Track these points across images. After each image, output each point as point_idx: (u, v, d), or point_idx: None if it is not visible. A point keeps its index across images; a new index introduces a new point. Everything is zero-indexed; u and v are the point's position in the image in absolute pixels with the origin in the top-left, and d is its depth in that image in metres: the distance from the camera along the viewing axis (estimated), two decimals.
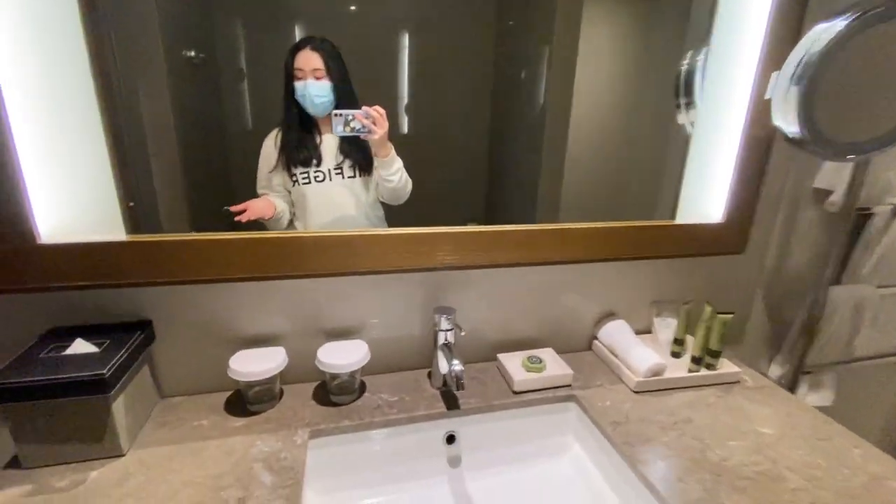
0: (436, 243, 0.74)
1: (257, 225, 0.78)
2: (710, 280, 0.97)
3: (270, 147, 0.80)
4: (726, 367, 0.86)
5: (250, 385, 0.72)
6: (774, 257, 1.03)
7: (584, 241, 0.82)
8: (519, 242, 0.79)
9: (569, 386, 0.82)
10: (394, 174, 0.82)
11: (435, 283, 0.81)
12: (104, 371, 0.57)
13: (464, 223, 0.82)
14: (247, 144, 0.81)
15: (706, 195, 0.89)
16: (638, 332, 0.95)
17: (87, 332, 0.65)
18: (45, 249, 0.60)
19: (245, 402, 0.73)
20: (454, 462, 0.77)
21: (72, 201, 0.62)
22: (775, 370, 1.11)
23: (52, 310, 0.67)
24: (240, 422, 0.70)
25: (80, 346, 0.62)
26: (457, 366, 0.70)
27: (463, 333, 0.71)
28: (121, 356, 0.60)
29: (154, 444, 0.65)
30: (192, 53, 0.75)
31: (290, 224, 0.83)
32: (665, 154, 0.97)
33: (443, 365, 0.78)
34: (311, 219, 0.83)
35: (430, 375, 0.83)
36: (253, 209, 0.78)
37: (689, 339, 0.91)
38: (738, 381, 0.85)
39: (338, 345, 0.77)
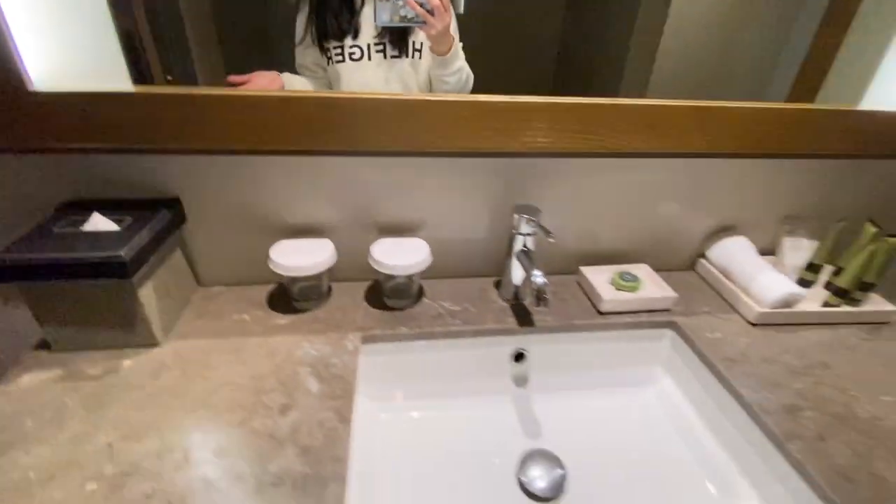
0: (528, 118, 0.56)
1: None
2: (877, 193, 0.74)
3: (302, 14, 0.63)
4: (875, 304, 0.68)
5: (295, 280, 0.62)
6: None
7: (727, 125, 0.60)
8: (642, 122, 0.59)
9: (668, 311, 0.67)
10: (453, 74, 0.64)
11: (515, 174, 0.65)
12: (121, 252, 0.47)
13: None
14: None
15: None
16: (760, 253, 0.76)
17: (107, 208, 0.55)
18: (39, 97, 0.48)
19: (290, 297, 0.65)
20: (520, 381, 0.67)
21: (67, 44, 0.48)
22: None
23: (68, 179, 0.57)
24: (284, 319, 0.62)
25: (99, 222, 0.52)
26: (538, 277, 0.56)
27: (552, 240, 0.56)
28: (143, 236, 0.51)
29: (192, 336, 0.58)
30: None
31: None
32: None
33: (516, 275, 0.65)
34: None
35: (498, 285, 0.71)
36: (255, 82, 0.62)
37: (829, 269, 0.71)
38: (887, 323, 0.68)
39: (394, 242, 0.64)
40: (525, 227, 0.61)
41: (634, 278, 0.68)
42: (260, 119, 0.53)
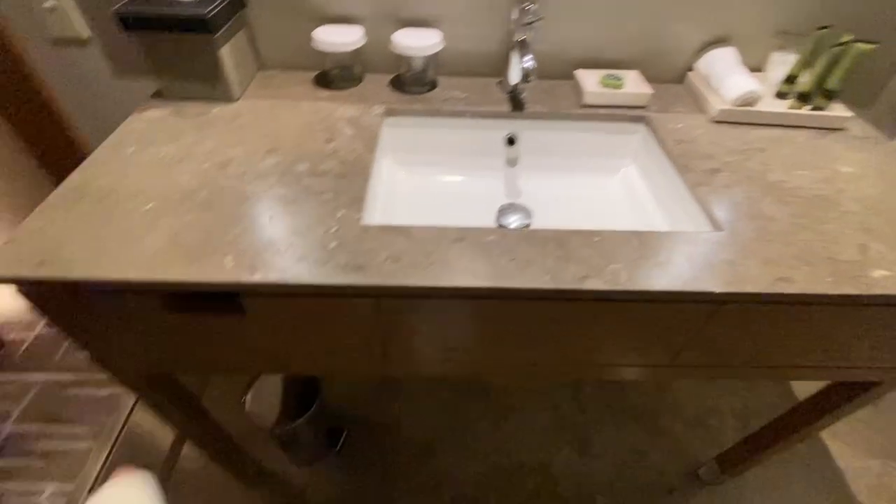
0: None
1: None
2: (868, 9, 0.77)
3: None
4: (834, 111, 0.76)
5: (335, 61, 0.77)
6: None
7: None
8: None
9: (644, 108, 0.79)
10: None
11: None
12: (205, 11, 0.63)
13: None
14: None
15: None
16: (750, 69, 0.83)
17: None
18: None
19: (330, 80, 0.81)
20: (512, 162, 0.83)
21: None
22: None
23: None
24: (326, 93, 0.79)
25: None
26: (528, 61, 0.68)
27: (542, 18, 0.67)
28: (216, 4, 0.66)
29: (259, 98, 0.76)
30: None
31: None
32: None
33: (514, 72, 0.77)
34: None
35: (501, 83, 0.83)
36: None
37: (804, 78, 0.78)
38: (841, 129, 0.77)
39: (413, 31, 0.77)
40: (521, 17, 0.71)
41: (619, 78, 0.79)
42: None
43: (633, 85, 0.79)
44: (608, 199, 0.80)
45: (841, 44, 0.70)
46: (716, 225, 0.58)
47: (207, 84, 0.72)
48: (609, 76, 0.79)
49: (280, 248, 0.51)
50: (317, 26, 0.77)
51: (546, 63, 0.84)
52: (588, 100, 0.78)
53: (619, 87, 0.78)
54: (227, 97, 0.74)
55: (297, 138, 0.68)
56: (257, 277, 0.47)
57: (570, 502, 1.12)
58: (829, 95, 0.74)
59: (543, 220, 0.75)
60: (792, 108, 0.76)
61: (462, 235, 0.54)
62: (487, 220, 0.75)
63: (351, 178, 0.61)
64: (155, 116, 0.71)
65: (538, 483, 1.14)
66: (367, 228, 0.54)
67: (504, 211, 0.76)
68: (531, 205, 0.77)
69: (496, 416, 1.26)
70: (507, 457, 1.18)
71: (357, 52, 0.76)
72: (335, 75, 0.80)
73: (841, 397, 0.82)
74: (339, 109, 0.74)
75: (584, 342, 0.60)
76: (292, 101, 0.76)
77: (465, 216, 0.75)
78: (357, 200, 0.58)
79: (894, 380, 0.72)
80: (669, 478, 1.18)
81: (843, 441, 1.27)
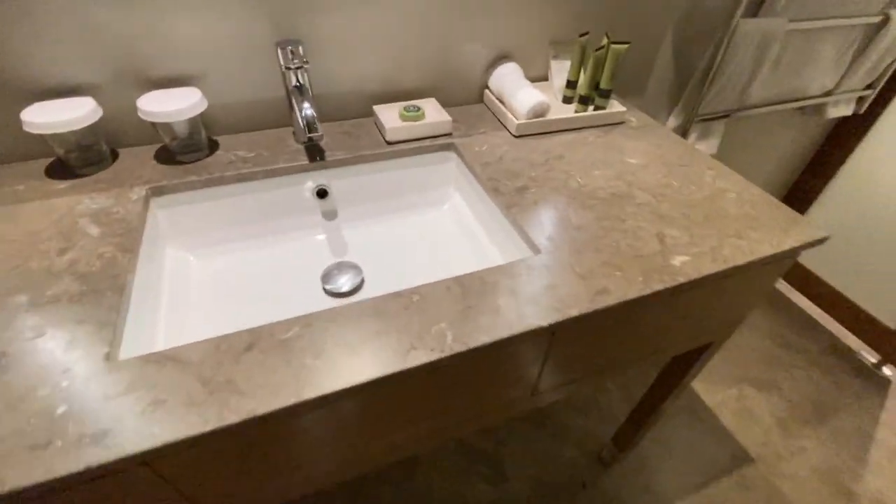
0: None
1: None
2: (617, 12, 0.86)
3: None
4: (612, 108, 0.82)
5: (65, 143, 0.61)
6: None
7: None
8: None
9: (449, 135, 0.77)
10: None
11: (277, 9, 0.65)
12: None
13: None
14: None
15: None
16: (534, 80, 0.87)
17: None
18: None
19: (68, 166, 0.63)
20: (329, 215, 0.75)
21: None
22: (672, 122, 1.11)
23: None
24: (63, 184, 0.61)
25: None
26: (307, 109, 0.61)
27: (308, 65, 0.60)
28: None
29: None
30: None
31: None
32: None
33: (297, 113, 0.69)
34: None
35: (295, 133, 0.75)
36: None
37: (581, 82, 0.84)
38: (622, 122, 0.83)
39: (165, 93, 0.64)
40: (288, 61, 0.63)
41: (418, 109, 0.76)
42: None
43: (434, 113, 0.77)
44: (441, 234, 0.76)
45: (601, 47, 0.76)
46: (533, 247, 0.56)
47: None
48: (408, 108, 0.75)
49: None
50: (30, 104, 0.60)
51: (343, 102, 0.77)
52: (391, 136, 0.73)
53: (419, 118, 0.75)
54: None
55: (13, 258, 0.50)
56: None
57: None
58: (605, 94, 0.80)
59: (377, 274, 0.67)
60: (578, 111, 0.81)
61: (252, 340, 0.43)
62: (313, 290, 0.65)
63: (96, 298, 0.46)
64: None
65: None
66: (118, 367, 0.40)
67: (330, 274, 0.67)
68: (361, 260, 0.70)
69: (403, 477, 1.16)
70: None
71: (94, 128, 0.61)
72: (74, 160, 0.63)
73: (692, 356, 0.89)
74: (81, 204, 0.58)
75: (440, 407, 0.54)
76: (8, 206, 0.57)
77: (285, 292, 0.65)
78: (104, 328, 0.44)
79: (722, 337, 0.80)
80: (580, 471, 1.20)
81: (705, 382, 1.43)
